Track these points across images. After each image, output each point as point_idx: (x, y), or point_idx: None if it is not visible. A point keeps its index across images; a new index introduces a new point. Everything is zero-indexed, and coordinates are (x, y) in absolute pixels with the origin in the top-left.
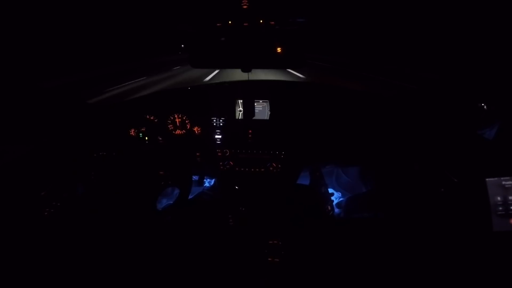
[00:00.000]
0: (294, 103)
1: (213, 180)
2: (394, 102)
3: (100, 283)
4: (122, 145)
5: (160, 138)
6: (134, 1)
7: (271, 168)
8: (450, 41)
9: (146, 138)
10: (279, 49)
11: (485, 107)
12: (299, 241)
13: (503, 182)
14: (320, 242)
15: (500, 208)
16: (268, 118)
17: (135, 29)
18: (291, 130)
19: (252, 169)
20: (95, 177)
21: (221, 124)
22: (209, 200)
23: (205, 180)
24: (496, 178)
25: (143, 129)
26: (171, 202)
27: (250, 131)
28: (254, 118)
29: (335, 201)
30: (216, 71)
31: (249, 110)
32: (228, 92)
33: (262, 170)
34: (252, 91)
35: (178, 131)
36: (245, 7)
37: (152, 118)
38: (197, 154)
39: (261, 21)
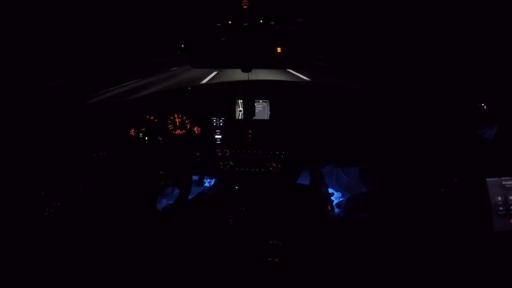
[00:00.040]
0: (294, 103)
1: (213, 180)
2: (394, 102)
3: (100, 283)
4: (122, 145)
5: (160, 138)
6: (134, 1)
7: (271, 168)
8: (450, 41)
9: (146, 138)
10: (279, 49)
11: (485, 107)
12: (299, 241)
13: (504, 182)
14: (320, 242)
15: (501, 208)
16: (268, 118)
17: (135, 29)
18: (291, 130)
19: (252, 169)
20: (95, 177)
21: (221, 124)
22: (209, 200)
23: (205, 180)
24: (496, 178)
25: (143, 129)
26: (171, 202)
27: (250, 131)
28: (254, 118)
29: (335, 201)
30: (214, 73)
31: (249, 110)
32: (228, 92)
33: (262, 170)
34: (252, 91)
35: (178, 131)
36: (245, 7)
37: (152, 118)
38: (197, 154)
39: (261, 21)
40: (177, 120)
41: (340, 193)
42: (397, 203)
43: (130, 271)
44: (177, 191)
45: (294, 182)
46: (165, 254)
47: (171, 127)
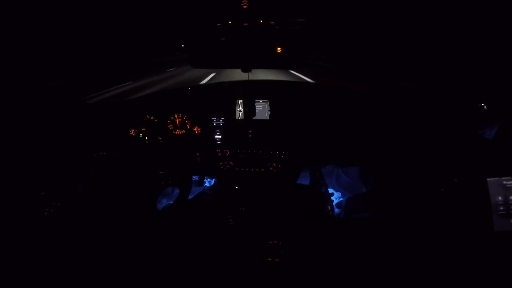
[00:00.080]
0: (294, 103)
1: (213, 180)
2: (394, 102)
3: (100, 283)
4: (122, 145)
5: (160, 138)
6: (135, 1)
7: (271, 168)
8: (450, 41)
9: (146, 138)
10: (279, 49)
11: (485, 107)
12: (299, 241)
13: (504, 182)
14: (320, 242)
15: (501, 208)
16: (268, 118)
17: (136, 29)
18: (291, 130)
19: (252, 169)
20: (95, 177)
21: (221, 124)
22: (209, 200)
23: (205, 180)
24: (497, 178)
25: (143, 129)
26: (171, 202)
27: (250, 131)
28: (254, 118)
29: (335, 201)
30: (213, 74)
31: (249, 110)
32: (228, 92)
33: (262, 170)
34: (252, 91)
35: (178, 131)
36: (245, 7)
37: (152, 118)
38: (197, 154)
39: (261, 21)
40: (177, 120)
41: (340, 193)
42: (397, 203)
43: (130, 271)
44: (177, 191)
45: (294, 182)
46: (165, 254)
47: (171, 127)
